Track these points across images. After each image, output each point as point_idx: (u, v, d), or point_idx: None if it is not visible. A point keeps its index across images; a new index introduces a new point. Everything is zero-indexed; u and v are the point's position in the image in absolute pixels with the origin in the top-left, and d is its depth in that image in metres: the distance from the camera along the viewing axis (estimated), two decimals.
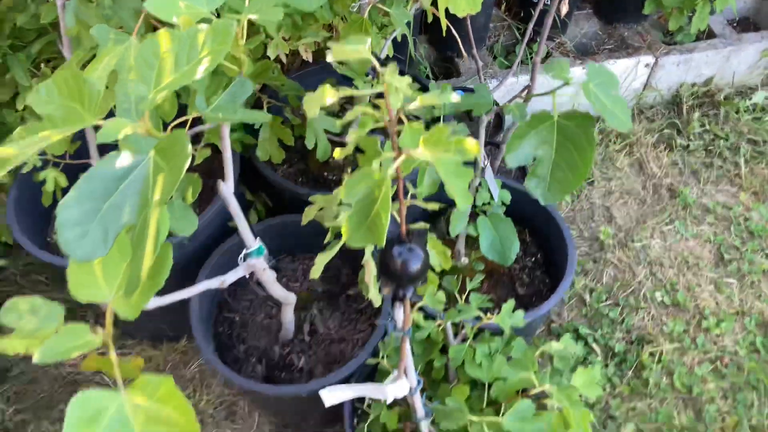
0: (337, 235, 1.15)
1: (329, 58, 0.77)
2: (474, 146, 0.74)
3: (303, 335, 1.54)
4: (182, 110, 1.08)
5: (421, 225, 0.99)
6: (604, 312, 1.83)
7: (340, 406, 1.49)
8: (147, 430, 0.79)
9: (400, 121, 0.83)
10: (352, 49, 0.76)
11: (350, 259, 1.68)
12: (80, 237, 0.74)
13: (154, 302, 0.99)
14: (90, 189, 0.75)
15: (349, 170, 1.74)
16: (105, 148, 1.59)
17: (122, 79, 0.91)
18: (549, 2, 2.12)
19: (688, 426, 1.63)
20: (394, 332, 1.05)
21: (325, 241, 1.18)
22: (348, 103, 1.85)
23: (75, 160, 1.54)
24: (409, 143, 0.82)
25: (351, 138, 0.92)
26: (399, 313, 1.03)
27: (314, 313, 1.59)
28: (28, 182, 1.62)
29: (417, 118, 0.91)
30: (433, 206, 1.06)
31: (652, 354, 1.75)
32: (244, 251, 1.17)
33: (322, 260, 1.11)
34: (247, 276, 1.20)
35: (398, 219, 0.90)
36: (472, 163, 1.49)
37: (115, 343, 1.71)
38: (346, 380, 1.39)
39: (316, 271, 1.12)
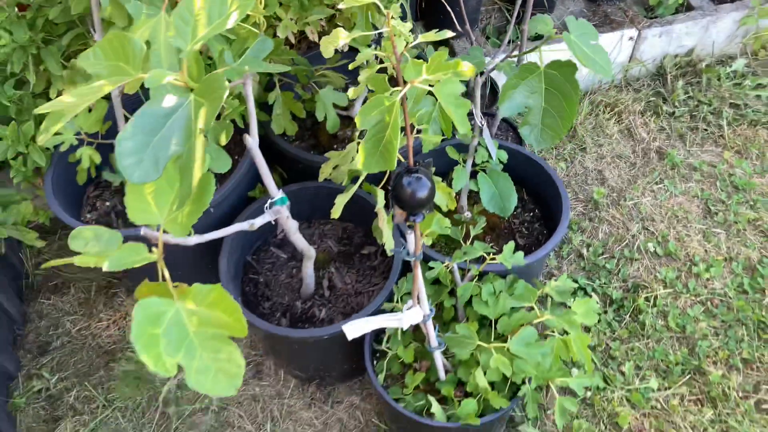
0: (354, 179, 1.29)
1: (341, 5, 0.91)
2: (469, 69, 0.88)
3: (323, 290, 1.67)
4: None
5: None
6: (601, 264, 1.96)
7: (360, 355, 1.62)
8: (200, 330, 0.93)
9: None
10: None
11: (362, 222, 1.81)
12: (136, 164, 0.88)
13: (196, 239, 1.12)
14: (142, 124, 0.89)
15: (330, 152, 1.86)
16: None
17: (157, 42, 1.06)
18: None
19: (683, 361, 1.75)
20: (407, 257, 1.18)
21: (344, 184, 1.31)
22: (352, 83, 1.99)
23: (106, 140, 1.68)
24: (413, 74, 0.96)
25: (362, 77, 1.06)
26: (411, 239, 1.16)
27: (332, 271, 1.72)
28: (64, 164, 1.76)
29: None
30: (436, 139, 1.20)
31: (647, 299, 1.87)
32: (269, 200, 1.30)
33: (341, 200, 1.24)
34: (273, 222, 1.32)
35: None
36: (470, 114, 1.62)
37: None
38: None
39: (336, 211, 1.25)
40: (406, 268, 1.60)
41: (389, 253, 1.45)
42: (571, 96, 1.35)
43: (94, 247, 0.97)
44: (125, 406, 1.75)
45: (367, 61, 1.37)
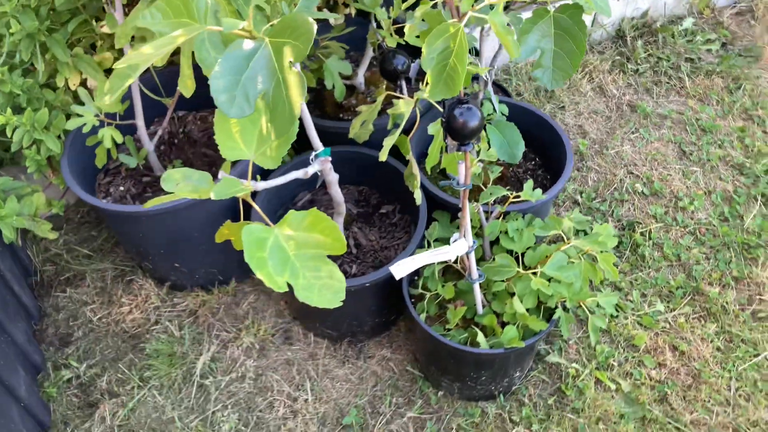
0: (396, 125, 1.37)
1: None
2: None
3: (350, 248, 1.74)
4: None
5: (475, 87, 1.22)
6: (596, 207, 2.10)
7: (390, 307, 1.69)
8: (299, 252, 1.00)
9: None
10: None
11: (376, 185, 1.89)
12: (230, 100, 0.94)
13: (263, 184, 1.18)
14: (229, 66, 0.96)
15: (362, 107, 1.95)
16: (152, 106, 1.77)
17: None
18: None
19: (683, 285, 1.91)
20: (457, 186, 1.27)
21: (388, 128, 1.39)
22: (354, 52, 2.07)
23: (124, 120, 1.70)
24: (466, 6, 1.05)
25: (417, 14, 1.15)
26: (462, 168, 1.25)
27: (355, 231, 1.79)
28: (75, 151, 1.77)
29: None
30: (479, 70, 1.30)
31: (642, 234, 2.02)
32: (313, 153, 1.37)
33: (388, 143, 1.32)
34: (319, 173, 1.39)
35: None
36: (476, 77, 1.73)
37: (166, 300, 1.93)
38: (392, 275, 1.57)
39: (383, 154, 1.32)
40: (430, 219, 1.69)
41: (418, 201, 1.53)
42: (578, 37, 1.46)
43: (185, 186, 1.02)
44: (161, 384, 1.77)
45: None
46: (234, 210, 1.75)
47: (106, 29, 1.71)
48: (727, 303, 1.86)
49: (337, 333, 1.81)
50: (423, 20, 1.16)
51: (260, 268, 0.94)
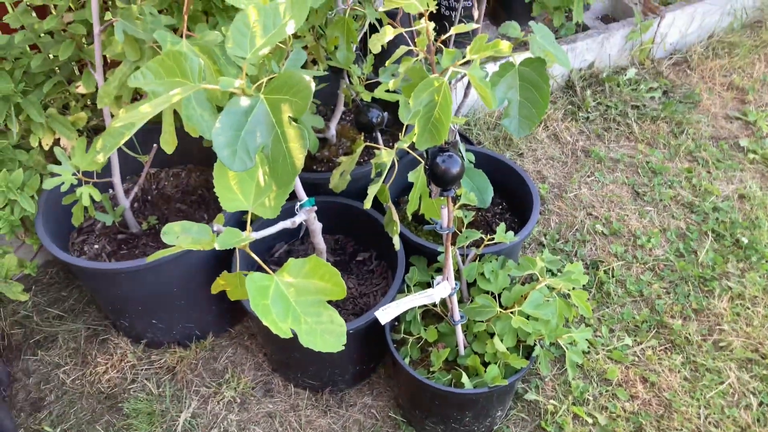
0: (378, 173, 1.43)
1: (381, 8, 1.07)
2: (507, 46, 1.07)
3: None
4: None
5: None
6: (560, 247, 2.19)
7: (370, 354, 1.72)
8: (300, 298, 1.04)
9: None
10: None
11: (351, 233, 1.94)
12: (232, 155, 0.99)
13: (258, 234, 1.21)
14: (229, 121, 1.01)
15: (341, 158, 2.00)
16: (125, 163, 1.80)
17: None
18: (455, 17, 2.54)
19: (647, 318, 2.00)
20: (441, 230, 1.33)
21: (371, 177, 1.45)
22: (323, 106, 2.14)
23: (100, 178, 1.71)
24: (446, 62, 1.13)
25: (401, 69, 1.22)
26: (444, 212, 1.31)
27: None
28: (49, 210, 1.77)
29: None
30: (457, 120, 1.37)
31: (606, 272, 2.12)
32: (298, 203, 1.41)
33: (372, 191, 1.37)
34: (305, 222, 1.43)
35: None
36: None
37: (143, 357, 1.94)
38: (374, 321, 1.61)
39: (368, 202, 1.37)
40: (408, 264, 1.74)
41: (396, 246, 1.58)
42: (542, 88, 1.57)
43: (185, 239, 1.04)
44: None
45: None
46: (211, 265, 1.76)
47: (81, 89, 1.74)
48: (689, 334, 1.95)
49: (318, 382, 1.82)
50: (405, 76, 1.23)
51: (265, 316, 0.97)
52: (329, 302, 1.08)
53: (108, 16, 1.54)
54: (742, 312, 2.00)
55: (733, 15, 3.11)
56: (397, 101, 1.73)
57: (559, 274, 1.87)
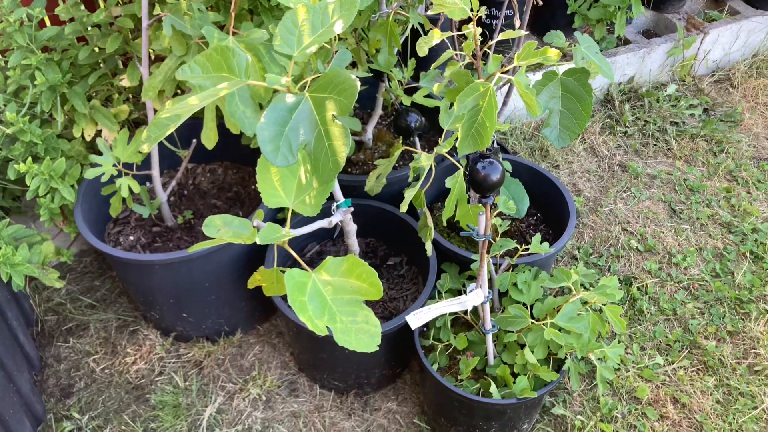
0: (416, 178, 1.42)
1: (429, 12, 1.07)
2: (555, 53, 1.06)
3: None
4: None
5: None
6: (593, 262, 2.16)
7: (398, 358, 1.71)
8: (336, 297, 1.04)
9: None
10: (451, 2, 1.07)
11: (383, 236, 1.94)
12: (275, 150, 1.00)
13: (297, 231, 1.21)
14: (273, 117, 1.01)
15: (378, 161, 2.00)
16: (163, 157, 1.81)
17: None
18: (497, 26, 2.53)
19: (680, 338, 1.96)
20: (477, 237, 1.32)
21: (409, 180, 1.45)
22: (360, 110, 2.14)
23: (141, 170, 1.74)
24: (493, 68, 1.12)
25: (447, 73, 1.22)
26: (482, 219, 1.30)
27: None
28: (88, 200, 1.79)
29: None
30: (501, 126, 1.37)
31: (639, 289, 2.08)
32: (335, 203, 1.41)
33: (409, 195, 1.37)
34: (340, 223, 1.43)
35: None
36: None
37: (171, 350, 1.96)
38: (404, 325, 1.60)
39: (404, 206, 1.37)
40: (439, 270, 1.73)
41: (429, 252, 1.57)
42: (585, 99, 1.55)
43: (226, 233, 1.05)
44: None
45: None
46: (243, 261, 1.77)
47: (125, 82, 1.76)
48: (723, 356, 1.91)
49: (344, 385, 1.82)
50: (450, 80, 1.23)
51: (302, 312, 0.97)
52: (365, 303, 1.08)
53: (156, 10, 1.56)
54: None
55: None
56: (435, 107, 1.74)
57: (591, 288, 1.85)
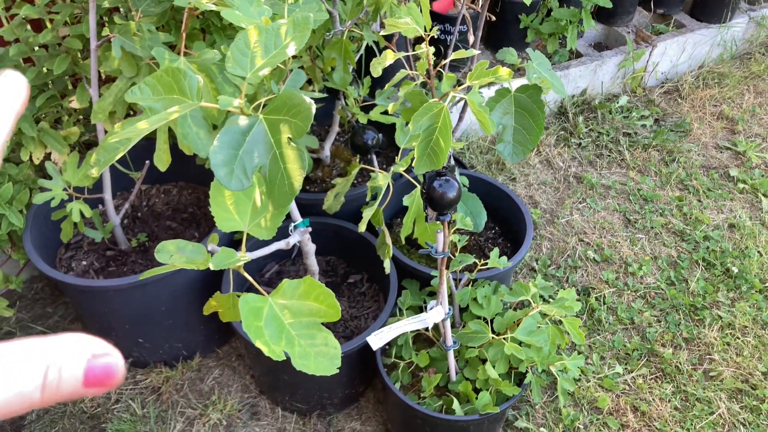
0: (374, 197, 1.42)
1: (382, 32, 1.08)
2: (507, 72, 1.07)
3: None
4: None
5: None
6: (551, 273, 2.19)
7: (360, 378, 1.70)
8: (294, 321, 1.02)
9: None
10: (404, 23, 1.08)
11: (343, 254, 1.92)
12: (229, 174, 0.98)
13: (253, 254, 1.19)
14: (227, 140, 1.00)
15: (336, 180, 2.00)
16: (116, 179, 1.77)
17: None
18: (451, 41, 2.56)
19: (638, 347, 1.99)
20: (436, 254, 1.32)
21: (367, 200, 1.44)
22: (316, 126, 2.13)
23: (92, 194, 1.69)
24: (446, 87, 1.13)
25: (401, 93, 1.22)
26: (440, 237, 1.30)
27: None
28: (38, 226, 1.74)
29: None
30: (456, 144, 1.37)
31: (597, 299, 2.11)
32: (293, 224, 1.40)
33: (367, 214, 1.36)
34: (298, 243, 1.42)
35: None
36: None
37: (128, 377, 1.94)
38: (365, 345, 1.59)
39: (362, 225, 1.36)
40: (400, 287, 1.73)
41: (387, 270, 1.57)
42: (537, 114, 1.57)
43: (179, 259, 1.03)
44: None
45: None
46: (199, 284, 1.74)
47: (74, 104, 1.72)
48: (680, 363, 1.94)
49: (306, 406, 1.79)
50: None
51: (258, 337, 0.95)
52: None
53: (105, 31, 1.53)
54: (732, 342, 2.00)
55: (723, 46, 3.16)
56: (392, 124, 1.75)
57: (551, 300, 1.87)
